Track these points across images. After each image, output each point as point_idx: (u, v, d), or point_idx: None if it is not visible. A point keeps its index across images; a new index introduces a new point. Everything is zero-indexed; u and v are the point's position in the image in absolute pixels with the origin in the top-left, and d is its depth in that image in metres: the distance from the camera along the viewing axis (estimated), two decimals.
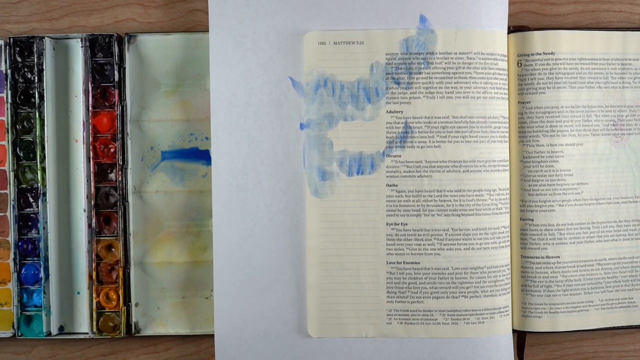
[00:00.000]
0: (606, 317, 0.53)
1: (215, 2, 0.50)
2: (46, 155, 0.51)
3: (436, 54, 0.49)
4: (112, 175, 0.52)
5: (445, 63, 0.49)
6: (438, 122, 0.50)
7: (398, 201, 0.50)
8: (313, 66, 0.50)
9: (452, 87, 0.49)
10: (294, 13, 0.50)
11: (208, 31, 0.51)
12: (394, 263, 0.50)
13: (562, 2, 0.54)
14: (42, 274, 0.52)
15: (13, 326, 0.52)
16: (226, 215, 0.51)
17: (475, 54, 0.49)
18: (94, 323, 0.52)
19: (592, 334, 0.55)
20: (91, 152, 0.52)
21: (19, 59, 0.52)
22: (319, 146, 0.50)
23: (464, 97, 0.49)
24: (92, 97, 0.52)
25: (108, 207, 0.52)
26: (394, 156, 0.50)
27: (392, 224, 0.50)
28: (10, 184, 0.52)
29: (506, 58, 0.51)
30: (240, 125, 0.50)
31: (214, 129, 0.50)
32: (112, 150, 0.52)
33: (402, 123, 0.50)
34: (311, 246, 0.50)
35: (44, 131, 0.51)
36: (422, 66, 0.50)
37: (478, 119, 0.49)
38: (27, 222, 0.52)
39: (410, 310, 0.50)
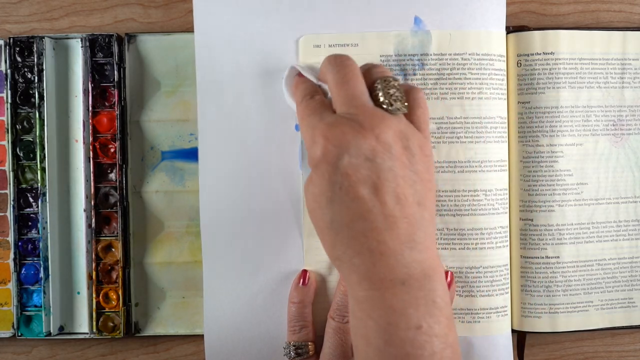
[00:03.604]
0: (606, 317, 0.52)
1: (201, 1, 0.50)
2: (46, 155, 0.52)
3: (430, 55, 0.49)
4: (112, 175, 0.53)
5: (440, 64, 0.49)
6: (433, 123, 0.49)
7: None
8: None
9: (446, 88, 0.49)
10: (287, 14, 0.50)
11: None
12: None
13: (562, 2, 0.54)
14: (42, 274, 0.52)
15: (13, 326, 0.52)
16: (214, 216, 0.50)
17: (470, 54, 0.49)
18: (94, 323, 0.52)
19: (592, 334, 0.55)
20: (91, 152, 0.52)
21: (19, 59, 0.52)
22: None
23: (458, 98, 0.49)
24: (92, 97, 0.52)
25: (108, 207, 0.52)
26: None
27: None
28: (10, 184, 0.52)
29: (503, 58, 0.50)
30: (230, 126, 0.50)
31: (201, 128, 0.50)
32: (112, 150, 0.52)
33: None
34: (308, 246, 0.50)
35: (43, 131, 0.52)
36: (417, 67, 0.49)
37: (473, 119, 0.49)
38: (27, 222, 0.52)
39: None
